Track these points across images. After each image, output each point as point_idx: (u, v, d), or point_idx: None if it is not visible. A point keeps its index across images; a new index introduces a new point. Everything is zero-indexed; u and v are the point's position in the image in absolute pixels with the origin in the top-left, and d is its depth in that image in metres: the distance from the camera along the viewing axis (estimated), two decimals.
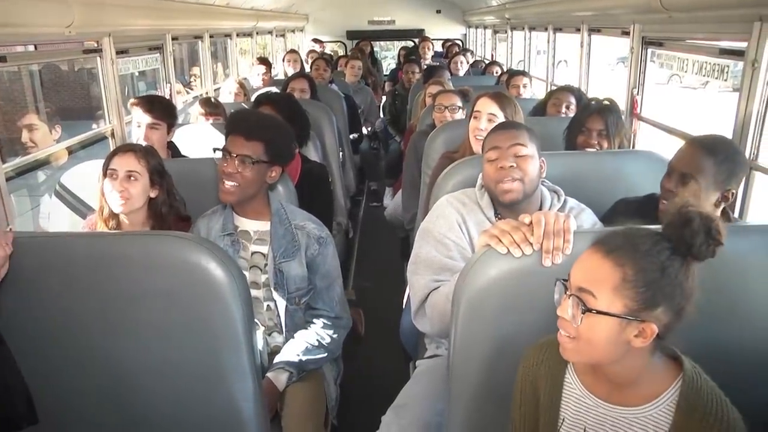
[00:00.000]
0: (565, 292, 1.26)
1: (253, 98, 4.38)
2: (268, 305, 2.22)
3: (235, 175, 2.12)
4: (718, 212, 1.94)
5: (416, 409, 2.02)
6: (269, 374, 2.11)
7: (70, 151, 3.28)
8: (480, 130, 2.70)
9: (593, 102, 2.77)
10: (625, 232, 1.25)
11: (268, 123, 2.29)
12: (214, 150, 2.23)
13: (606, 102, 2.74)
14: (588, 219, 2.05)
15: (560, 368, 1.38)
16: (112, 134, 3.56)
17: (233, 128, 2.19)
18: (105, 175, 2.18)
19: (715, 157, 1.87)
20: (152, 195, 2.22)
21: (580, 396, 1.36)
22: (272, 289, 2.18)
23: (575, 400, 1.37)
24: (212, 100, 3.84)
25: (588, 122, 2.67)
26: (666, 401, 1.27)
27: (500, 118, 2.66)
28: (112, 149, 3.38)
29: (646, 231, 1.25)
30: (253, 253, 2.21)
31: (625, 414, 1.31)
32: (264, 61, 5.93)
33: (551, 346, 1.39)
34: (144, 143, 2.80)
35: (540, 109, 3.62)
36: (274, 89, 4.41)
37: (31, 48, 3.25)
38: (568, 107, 3.41)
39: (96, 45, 3.38)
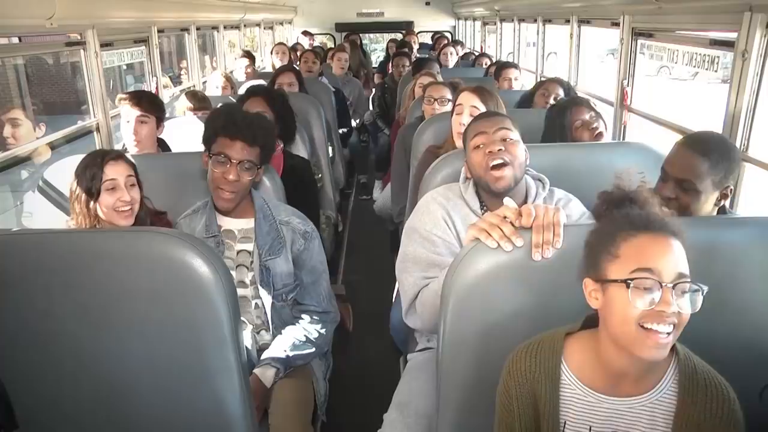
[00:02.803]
0: (660, 288, 1.19)
1: (240, 91, 4.36)
2: (255, 303, 2.19)
3: (236, 182, 2.08)
4: (716, 210, 1.90)
5: (420, 406, 2.00)
6: (256, 370, 2.09)
7: (54, 146, 3.23)
8: (462, 124, 2.68)
9: (560, 100, 2.75)
10: (651, 212, 1.29)
11: (264, 125, 2.21)
12: (211, 155, 2.11)
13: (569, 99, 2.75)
14: (576, 209, 2.03)
15: (555, 369, 1.35)
16: (98, 128, 3.50)
17: (234, 132, 2.08)
18: (96, 190, 2.04)
19: (711, 158, 1.81)
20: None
21: (581, 395, 1.34)
22: (258, 286, 2.15)
23: (576, 401, 1.34)
24: (198, 93, 3.79)
25: (575, 114, 2.64)
26: (668, 383, 1.29)
27: (482, 111, 2.63)
28: (96, 144, 3.37)
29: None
30: (238, 252, 2.17)
31: (631, 404, 1.30)
32: (247, 54, 5.88)
33: (539, 347, 1.37)
34: (133, 137, 2.77)
35: (527, 100, 3.60)
36: (261, 82, 4.37)
37: (15, 41, 3.20)
38: (556, 98, 3.40)
39: (79, 37, 3.33)
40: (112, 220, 2.07)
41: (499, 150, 1.93)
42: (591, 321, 1.36)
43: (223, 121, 2.12)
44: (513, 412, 1.38)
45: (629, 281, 1.20)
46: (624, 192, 1.36)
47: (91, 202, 2.05)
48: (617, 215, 1.30)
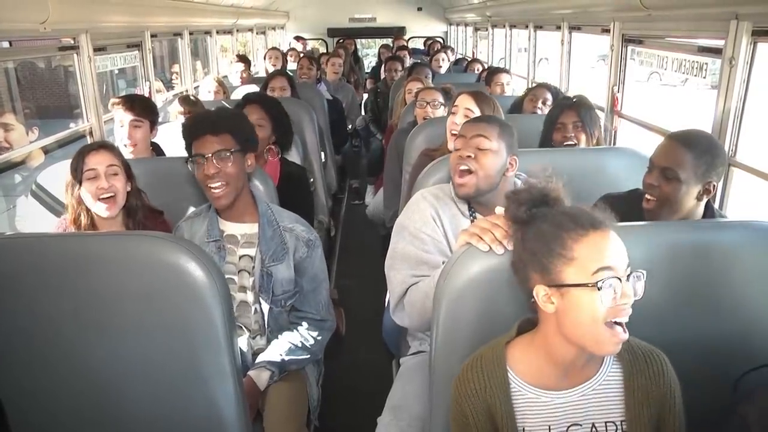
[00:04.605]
0: (620, 281, 1.22)
1: (233, 96, 4.37)
2: (255, 308, 2.19)
3: (218, 175, 2.07)
4: (701, 206, 1.95)
5: (414, 409, 2.01)
6: (250, 373, 2.09)
7: (47, 150, 3.22)
8: (456, 124, 2.72)
9: (564, 100, 2.78)
10: (597, 208, 1.31)
11: (226, 113, 2.25)
12: (186, 161, 2.17)
13: (575, 98, 2.76)
14: None
15: (503, 379, 1.36)
16: (90, 133, 3.50)
17: (196, 131, 2.13)
18: (78, 180, 2.13)
19: (694, 150, 1.88)
20: (128, 188, 2.21)
21: (533, 398, 1.36)
22: (257, 291, 2.15)
23: (531, 404, 1.36)
24: (191, 97, 3.80)
25: (561, 117, 2.69)
26: (610, 363, 1.36)
27: (476, 114, 2.66)
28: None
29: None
30: (241, 257, 2.17)
31: (582, 391, 1.35)
32: (243, 58, 5.88)
33: (482, 361, 1.38)
34: (128, 141, 2.78)
35: (517, 106, 3.63)
36: (254, 87, 4.38)
37: (6, 45, 3.20)
38: (544, 102, 3.44)
39: (73, 42, 3.33)
40: (95, 209, 2.14)
41: (468, 156, 1.97)
42: (525, 326, 1.40)
43: (188, 127, 2.17)
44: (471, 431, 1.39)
45: (599, 283, 1.21)
46: (540, 190, 1.35)
47: (76, 191, 2.14)
48: (557, 217, 1.29)
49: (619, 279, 1.22)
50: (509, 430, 1.35)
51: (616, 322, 1.23)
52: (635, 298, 1.24)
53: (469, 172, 1.97)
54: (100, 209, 2.14)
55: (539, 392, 1.35)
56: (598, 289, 1.21)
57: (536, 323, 1.37)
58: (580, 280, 1.23)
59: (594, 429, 1.35)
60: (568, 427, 1.35)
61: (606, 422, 1.35)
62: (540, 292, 1.29)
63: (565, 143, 2.64)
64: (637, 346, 1.36)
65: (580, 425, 1.35)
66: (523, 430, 1.36)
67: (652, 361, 1.35)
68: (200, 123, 2.15)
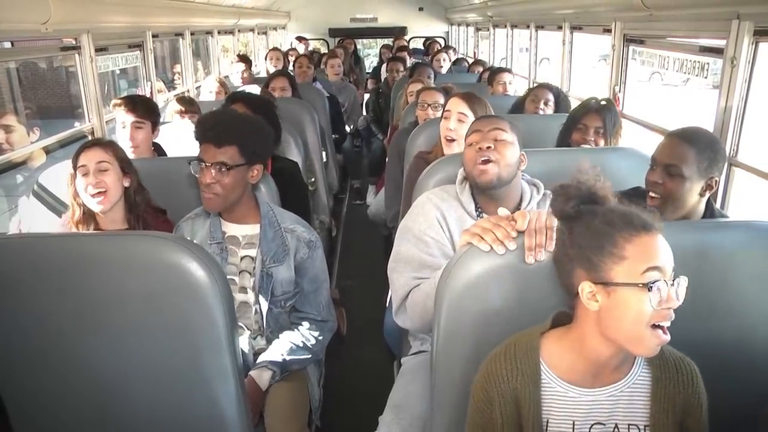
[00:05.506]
0: (667, 285, 1.23)
1: None
2: (255, 309, 2.19)
3: (213, 185, 2.05)
4: (703, 203, 1.96)
5: (416, 408, 2.01)
6: (252, 373, 2.09)
7: (49, 151, 3.23)
8: (450, 129, 2.72)
9: (592, 100, 2.76)
10: (636, 208, 1.31)
11: (238, 123, 2.17)
12: (189, 162, 2.13)
13: (603, 101, 2.74)
14: None
15: (535, 370, 1.36)
16: (92, 133, 3.50)
17: (203, 136, 2.10)
18: (72, 177, 2.17)
19: (696, 146, 1.89)
20: (126, 184, 2.21)
21: (562, 392, 1.36)
22: (257, 291, 2.15)
23: (558, 398, 1.36)
24: (187, 97, 3.80)
25: (585, 119, 2.66)
26: (640, 366, 1.35)
27: (470, 117, 2.66)
28: None
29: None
30: (242, 258, 2.17)
31: (611, 392, 1.34)
32: (243, 58, 5.89)
33: (515, 349, 1.38)
34: (130, 143, 2.78)
35: (518, 106, 3.62)
36: (255, 87, 4.38)
37: (7, 45, 3.21)
38: (546, 103, 3.43)
39: (74, 42, 3.33)
40: (89, 204, 2.17)
41: (488, 147, 1.97)
42: (560, 319, 1.39)
43: (197, 128, 2.15)
44: (494, 420, 1.37)
45: (650, 285, 1.21)
46: (590, 188, 1.36)
47: (71, 186, 2.19)
48: (608, 214, 1.29)
49: (666, 282, 1.22)
50: (534, 420, 1.35)
51: (658, 325, 1.23)
52: (680, 302, 1.23)
53: (490, 161, 1.97)
54: (92, 204, 2.16)
55: (568, 387, 1.35)
56: (648, 290, 1.21)
57: (572, 317, 1.37)
58: (630, 279, 1.23)
59: (617, 430, 1.35)
60: (592, 425, 1.35)
61: (629, 425, 1.35)
62: (585, 288, 1.28)
63: (583, 145, 2.63)
64: (669, 352, 1.36)
65: (604, 425, 1.35)
66: (548, 422, 1.36)
67: (682, 369, 1.35)
68: (208, 130, 2.10)
